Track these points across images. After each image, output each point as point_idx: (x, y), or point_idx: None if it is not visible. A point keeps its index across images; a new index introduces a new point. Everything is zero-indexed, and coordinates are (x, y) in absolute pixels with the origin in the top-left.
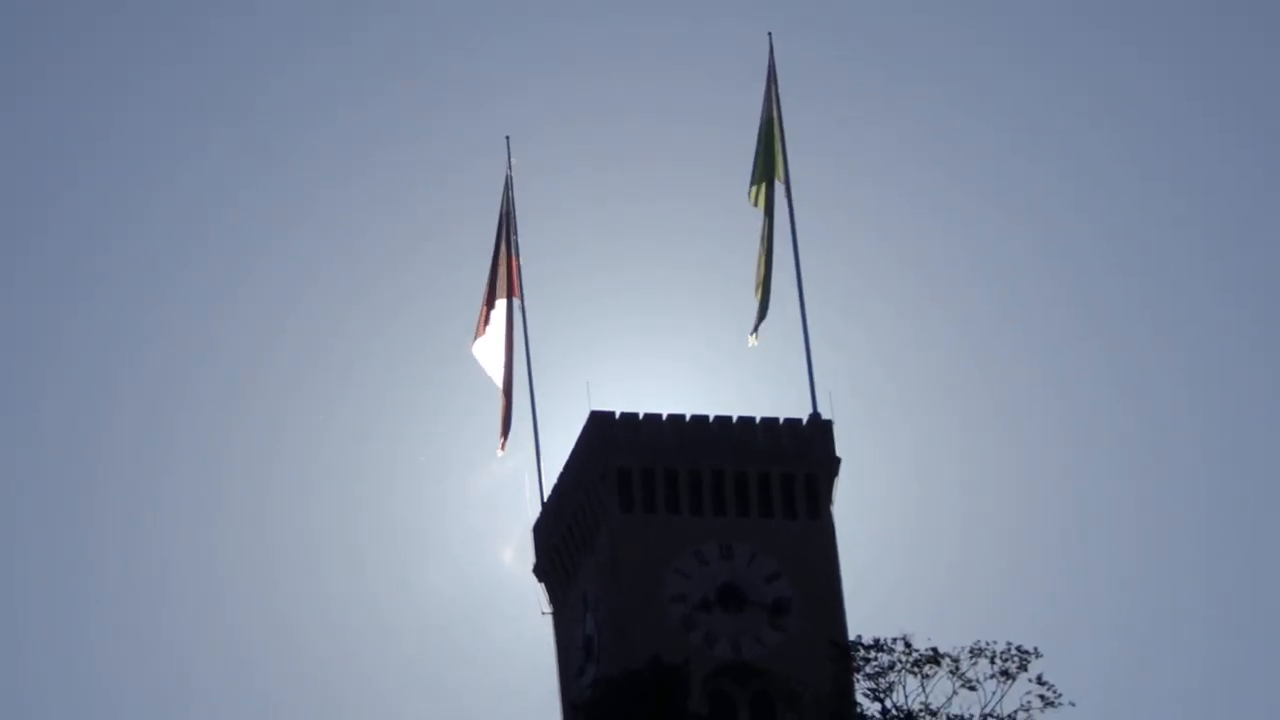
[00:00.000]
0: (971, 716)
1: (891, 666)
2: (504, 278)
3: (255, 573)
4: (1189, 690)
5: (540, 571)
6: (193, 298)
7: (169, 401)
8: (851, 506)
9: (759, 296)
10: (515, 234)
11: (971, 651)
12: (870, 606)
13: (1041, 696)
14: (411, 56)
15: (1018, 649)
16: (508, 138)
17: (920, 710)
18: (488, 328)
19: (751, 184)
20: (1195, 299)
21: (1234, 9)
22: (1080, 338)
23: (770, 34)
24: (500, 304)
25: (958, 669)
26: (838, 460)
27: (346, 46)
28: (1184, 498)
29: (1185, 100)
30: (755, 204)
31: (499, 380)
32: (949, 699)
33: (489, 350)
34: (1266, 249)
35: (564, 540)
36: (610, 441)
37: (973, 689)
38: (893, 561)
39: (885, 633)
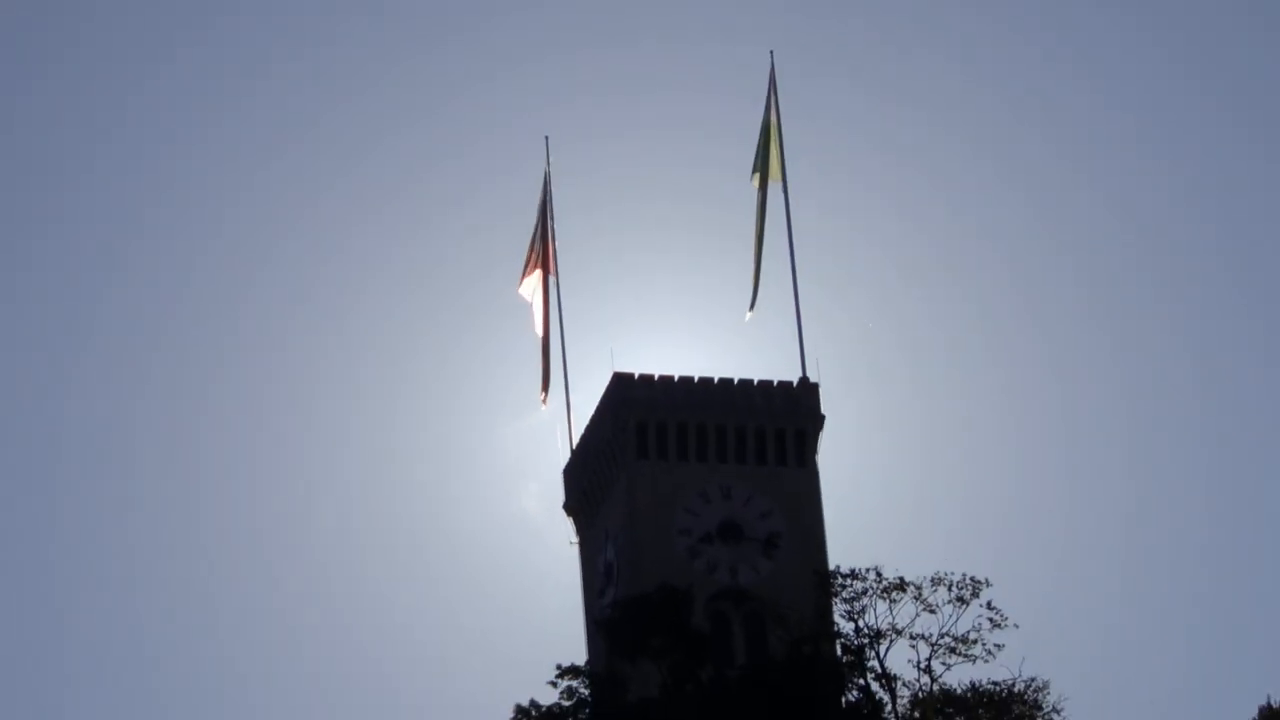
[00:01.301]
0: (931, 635)
1: (864, 592)
2: (542, 257)
3: (332, 505)
4: (1116, 616)
5: (569, 508)
6: (279, 257)
7: (238, 349)
8: (834, 457)
9: (753, 280)
10: (552, 220)
11: (932, 580)
12: (848, 542)
13: (990, 619)
14: (470, 70)
15: (971, 579)
16: (546, 138)
17: (888, 629)
18: (528, 292)
19: (754, 173)
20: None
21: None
22: (1025, 312)
23: (771, 51)
24: (535, 277)
25: (920, 595)
26: (823, 417)
27: (427, 55)
28: (1110, 446)
29: (1185, 79)
30: (755, 185)
31: (538, 339)
32: (912, 620)
33: (534, 313)
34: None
35: (589, 482)
36: (630, 398)
37: (932, 612)
38: (868, 503)
39: (860, 564)
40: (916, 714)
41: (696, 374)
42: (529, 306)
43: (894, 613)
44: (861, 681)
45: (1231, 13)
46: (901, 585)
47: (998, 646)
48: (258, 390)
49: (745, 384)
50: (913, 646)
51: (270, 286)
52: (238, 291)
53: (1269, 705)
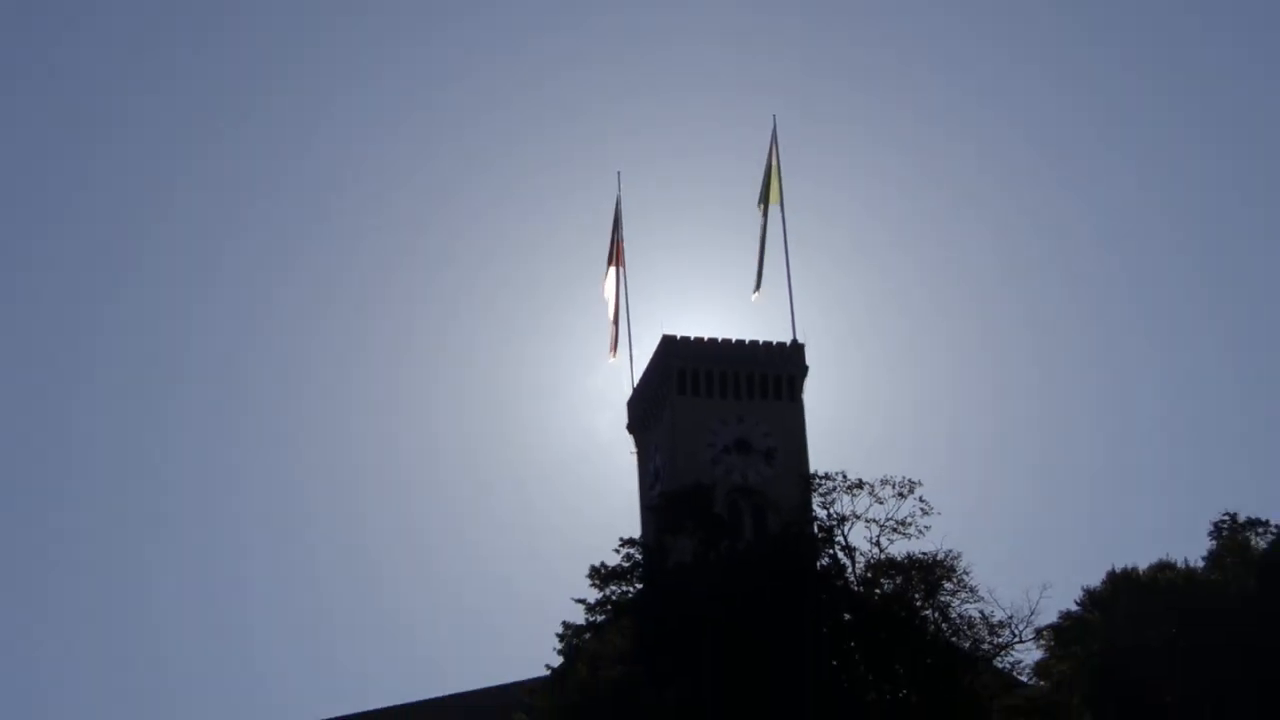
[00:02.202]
0: (880, 519)
1: (834, 489)
2: (615, 253)
3: (463, 430)
4: (1009, 511)
5: (630, 429)
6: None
7: (351, 295)
8: (814, 394)
9: (757, 272)
10: (621, 229)
11: (881, 481)
12: (823, 454)
13: (921, 509)
14: (555, 113)
15: (909, 480)
16: (619, 173)
17: (850, 515)
18: (606, 281)
19: (759, 203)
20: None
21: None
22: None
23: (774, 115)
24: (613, 270)
25: (873, 491)
26: (806, 367)
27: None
28: (1019, 380)
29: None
30: (760, 210)
31: (610, 313)
32: (867, 509)
33: (608, 294)
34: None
35: (644, 411)
36: (673, 352)
37: (881, 503)
38: (838, 427)
39: (831, 469)
40: (869, 574)
41: (719, 336)
42: (605, 290)
43: (854, 503)
44: (831, 552)
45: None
46: (860, 484)
47: (927, 528)
48: (409, 344)
49: (754, 343)
50: (867, 527)
51: (421, 264)
52: (397, 264)
53: (1113, 570)
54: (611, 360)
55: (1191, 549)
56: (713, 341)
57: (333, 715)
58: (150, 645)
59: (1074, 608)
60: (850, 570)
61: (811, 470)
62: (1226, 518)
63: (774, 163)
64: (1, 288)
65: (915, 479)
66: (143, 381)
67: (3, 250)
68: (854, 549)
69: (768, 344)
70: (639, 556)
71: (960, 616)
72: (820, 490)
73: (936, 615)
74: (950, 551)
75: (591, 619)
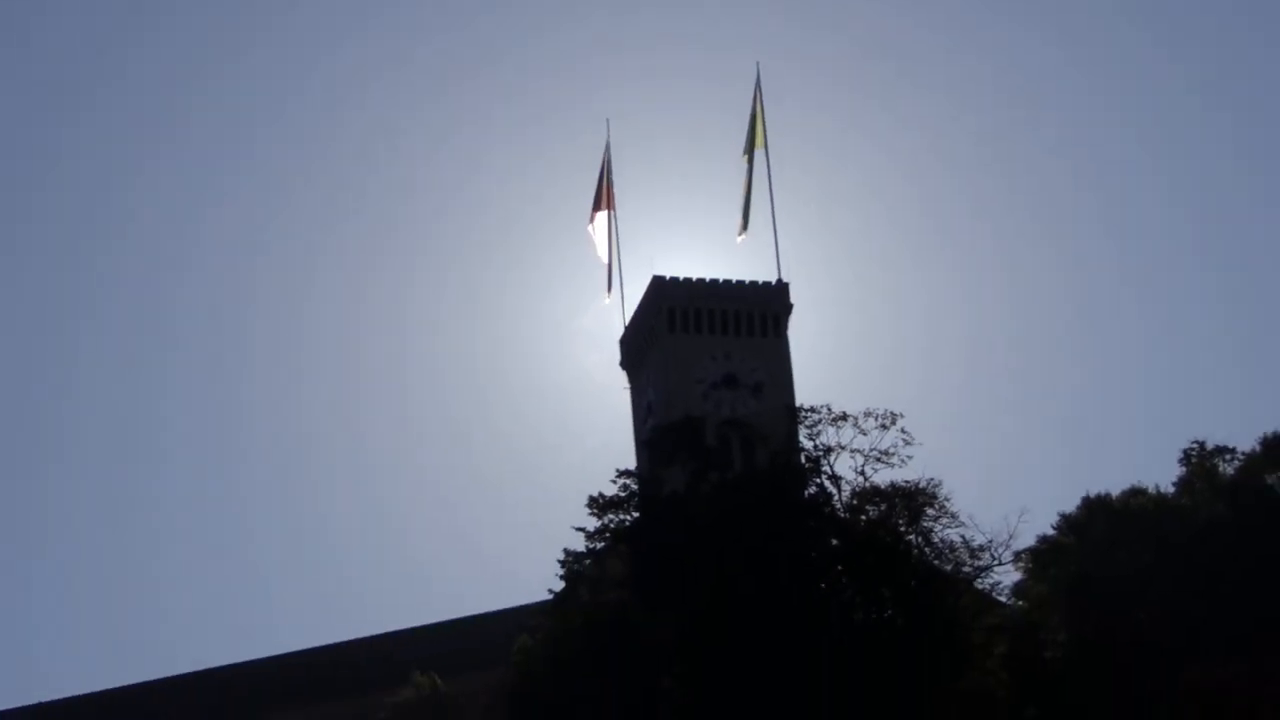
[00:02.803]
0: (864, 450)
1: (819, 421)
2: (605, 197)
3: (465, 365)
4: (986, 442)
5: (624, 365)
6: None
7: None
8: (798, 331)
9: (742, 214)
10: (611, 174)
11: (864, 413)
12: (808, 387)
13: (903, 439)
14: (545, 63)
15: (890, 412)
16: (608, 120)
17: (835, 446)
18: (593, 226)
19: (744, 152)
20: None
21: None
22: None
23: (758, 62)
24: (603, 214)
25: (856, 423)
26: (791, 305)
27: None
28: (989, 321)
29: None
30: (745, 159)
31: (604, 256)
32: (851, 440)
33: (598, 238)
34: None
35: (637, 347)
36: (663, 292)
37: (865, 434)
38: (821, 362)
39: (816, 402)
40: (855, 502)
41: (707, 276)
42: (594, 233)
43: (839, 435)
44: (818, 481)
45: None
46: (844, 416)
47: (909, 457)
48: (412, 288)
49: (740, 283)
50: (852, 457)
51: (427, 209)
52: (401, 211)
53: (1088, 496)
54: (606, 301)
55: (1163, 476)
56: (701, 281)
57: (346, 638)
58: (155, 568)
59: (1050, 532)
60: (837, 499)
61: (797, 403)
62: (1195, 445)
63: (759, 109)
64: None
65: (897, 411)
66: (146, 301)
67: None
68: (840, 478)
69: (754, 283)
70: (635, 487)
71: (942, 541)
72: (806, 423)
73: (919, 540)
74: (932, 479)
75: (591, 546)
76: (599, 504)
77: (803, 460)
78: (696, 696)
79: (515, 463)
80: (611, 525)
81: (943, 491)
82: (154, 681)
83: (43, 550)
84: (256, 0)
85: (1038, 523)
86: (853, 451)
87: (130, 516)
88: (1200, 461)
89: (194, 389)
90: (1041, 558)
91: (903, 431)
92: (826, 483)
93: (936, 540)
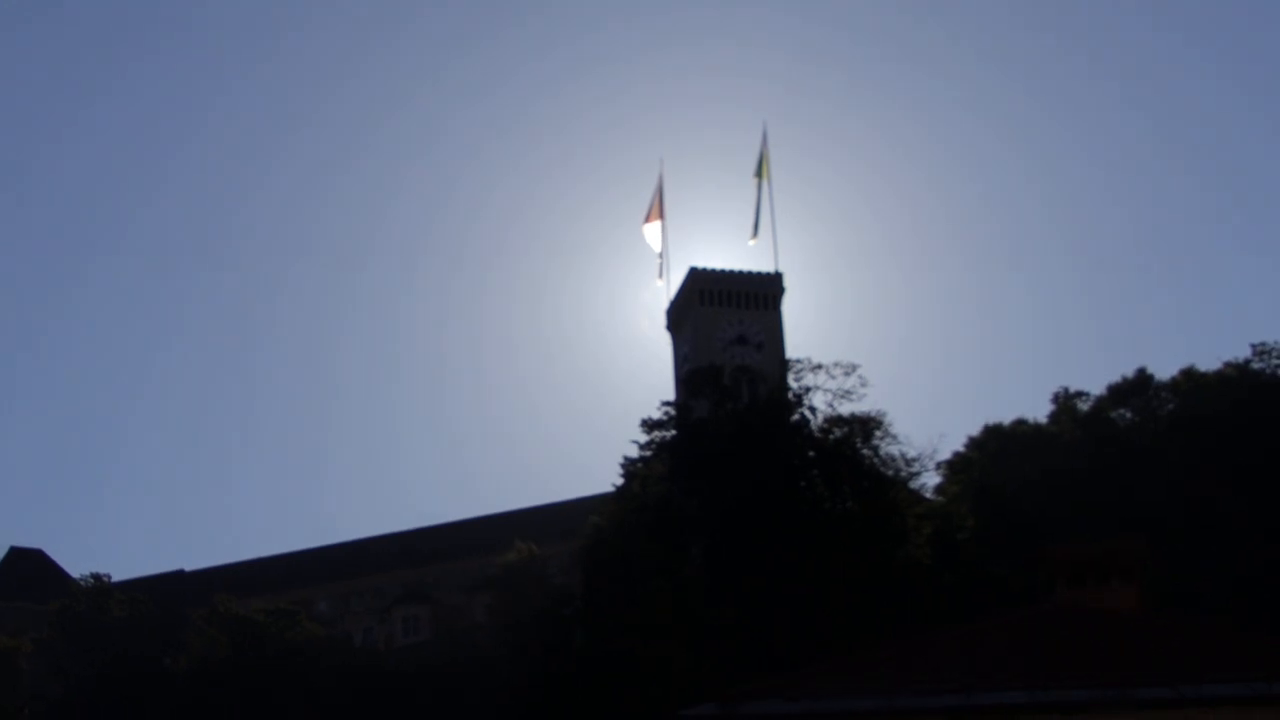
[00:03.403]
0: (832, 389)
1: (802, 369)
2: (657, 211)
3: (546, 336)
4: (927, 382)
5: (668, 328)
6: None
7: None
8: (789, 306)
9: (754, 226)
10: (663, 193)
11: (834, 364)
12: (795, 345)
13: (860, 382)
14: (600, 96)
15: (850, 363)
16: (661, 159)
17: (814, 386)
18: (647, 230)
19: (754, 174)
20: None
21: None
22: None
23: (765, 122)
24: (656, 223)
25: (828, 370)
26: (784, 289)
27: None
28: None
29: None
30: (755, 181)
31: (657, 251)
32: (824, 382)
33: (653, 239)
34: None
35: (677, 315)
36: (697, 278)
37: (833, 378)
38: (805, 328)
39: (800, 356)
40: (825, 426)
41: (727, 267)
42: (649, 236)
43: (815, 378)
44: (801, 410)
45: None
46: (819, 366)
47: (864, 395)
48: (529, 269)
49: (749, 272)
50: (824, 394)
51: (501, 210)
52: (477, 210)
53: (987, 424)
54: (658, 283)
55: (1039, 410)
56: (723, 271)
57: (469, 516)
58: (333, 464)
59: (961, 449)
60: (812, 423)
61: (787, 356)
62: (1062, 389)
63: (765, 151)
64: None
65: (856, 363)
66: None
67: None
68: (815, 409)
69: (758, 273)
70: (674, 413)
71: (886, 454)
72: (793, 370)
73: (870, 453)
74: (879, 411)
75: (643, 454)
76: (649, 424)
77: (789, 396)
78: (715, 558)
79: (592, 396)
80: (657, 439)
81: (887, 419)
82: (329, 546)
83: (245, 439)
84: (382, 14)
85: (953, 441)
86: (824, 390)
87: (312, 424)
88: (1065, 401)
89: (369, 353)
90: (955, 467)
91: (860, 377)
92: (806, 412)
93: (883, 453)
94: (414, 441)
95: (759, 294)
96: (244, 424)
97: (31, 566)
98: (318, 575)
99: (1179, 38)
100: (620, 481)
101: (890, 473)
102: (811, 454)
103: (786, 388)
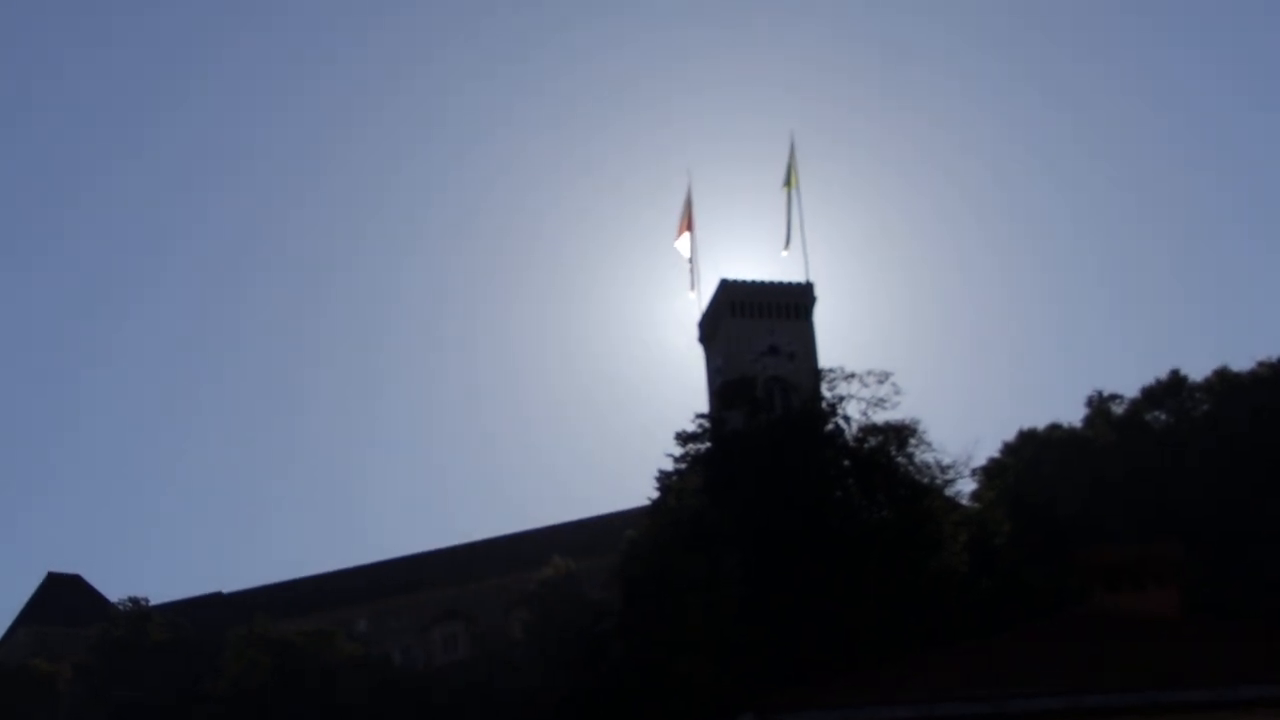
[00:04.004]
0: (866, 397)
1: (835, 378)
2: (687, 223)
3: (577, 347)
4: (962, 388)
5: (701, 340)
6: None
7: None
8: (821, 317)
9: (786, 235)
10: (692, 206)
11: (867, 372)
12: (827, 355)
13: (894, 390)
14: (626, 112)
15: (883, 372)
16: (689, 170)
17: (847, 395)
18: (679, 243)
19: (783, 184)
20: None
21: None
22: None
23: (791, 131)
24: (686, 236)
25: (861, 379)
26: (815, 299)
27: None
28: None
29: None
30: (785, 190)
31: (688, 263)
32: (858, 390)
33: (684, 251)
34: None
35: (710, 327)
36: (728, 290)
37: (866, 387)
38: (837, 338)
39: (835, 364)
40: (860, 434)
41: (759, 278)
42: (680, 248)
43: (849, 387)
44: (835, 420)
45: None
46: (852, 375)
47: (898, 403)
48: (566, 281)
49: (781, 283)
50: (857, 403)
51: (546, 216)
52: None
53: (1021, 429)
54: (690, 295)
55: (1073, 415)
56: (753, 282)
57: (505, 533)
58: (374, 481)
59: (996, 455)
60: (847, 433)
61: (819, 366)
62: (1096, 393)
63: (793, 161)
64: None
65: (889, 370)
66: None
67: None
68: (849, 418)
69: (789, 283)
70: (708, 425)
71: (921, 461)
72: (826, 379)
73: (905, 461)
74: (913, 418)
75: (678, 467)
76: (683, 437)
77: (823, 406)
78: (750, 572)
79: (627, 409)
80: (692, 452)
81: (921, 426)
82: (366, 565)
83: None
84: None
85: (988, 448)
86: (858, 399)
87: (348, 443)
88: (1100, 404)
89: (404, 371)
90: (990, 472)
91: (893, 385)
92: (840, 421)
93: (917, 461)
94: (449, 459)
95: (790, 304)
96: (280, 444)
97: (69, 592)
98: (356, 595)
99: (1206, 38)
100: (656, 495)
101: (925, 480)
102: (846, 463)
103: (820, 397)
